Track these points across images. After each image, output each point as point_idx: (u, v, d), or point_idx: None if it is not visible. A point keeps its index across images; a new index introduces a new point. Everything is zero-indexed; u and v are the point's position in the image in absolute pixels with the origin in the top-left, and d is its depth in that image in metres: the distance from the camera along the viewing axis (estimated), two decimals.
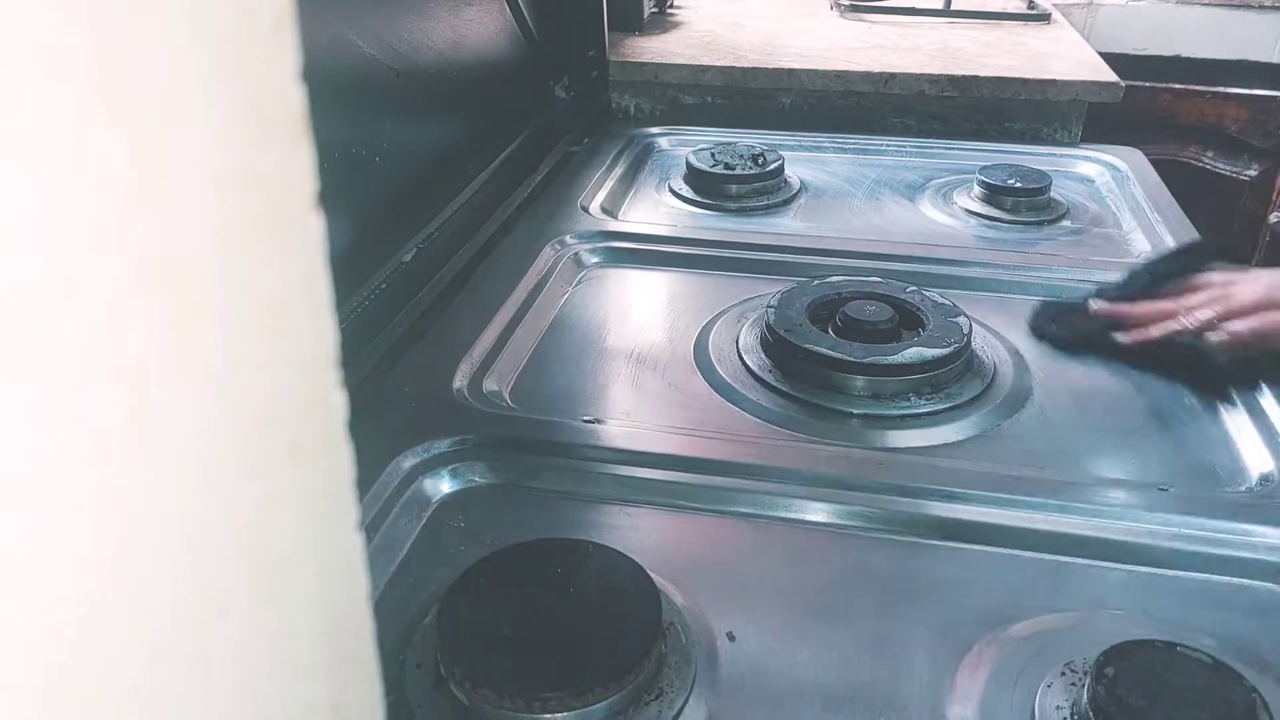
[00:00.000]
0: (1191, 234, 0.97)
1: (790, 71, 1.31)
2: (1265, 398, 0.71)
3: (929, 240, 1.00)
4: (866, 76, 1.29)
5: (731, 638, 0.53)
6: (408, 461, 0.64)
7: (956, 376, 0.74)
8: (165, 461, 0.17)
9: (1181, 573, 0.58)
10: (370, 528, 0.59)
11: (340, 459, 0.21)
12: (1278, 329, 0.71)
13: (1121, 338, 0.76)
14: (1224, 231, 1.77)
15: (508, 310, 0.83)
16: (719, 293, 0.89)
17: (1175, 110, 1.80)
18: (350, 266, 0.78)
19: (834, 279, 0.83)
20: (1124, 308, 0.78)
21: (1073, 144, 1.27)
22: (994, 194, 1.06)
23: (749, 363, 0.77)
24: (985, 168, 1.08)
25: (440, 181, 0.96)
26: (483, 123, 1.06)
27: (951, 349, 0.74)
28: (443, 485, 0.64)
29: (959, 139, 1.27)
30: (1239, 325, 0.72)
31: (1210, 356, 0.74)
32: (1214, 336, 0.72)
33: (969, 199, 1.08)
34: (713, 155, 1.12)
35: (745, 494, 0.63)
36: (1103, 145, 1.23)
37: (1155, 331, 0.75)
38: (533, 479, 0.65)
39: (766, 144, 1.16)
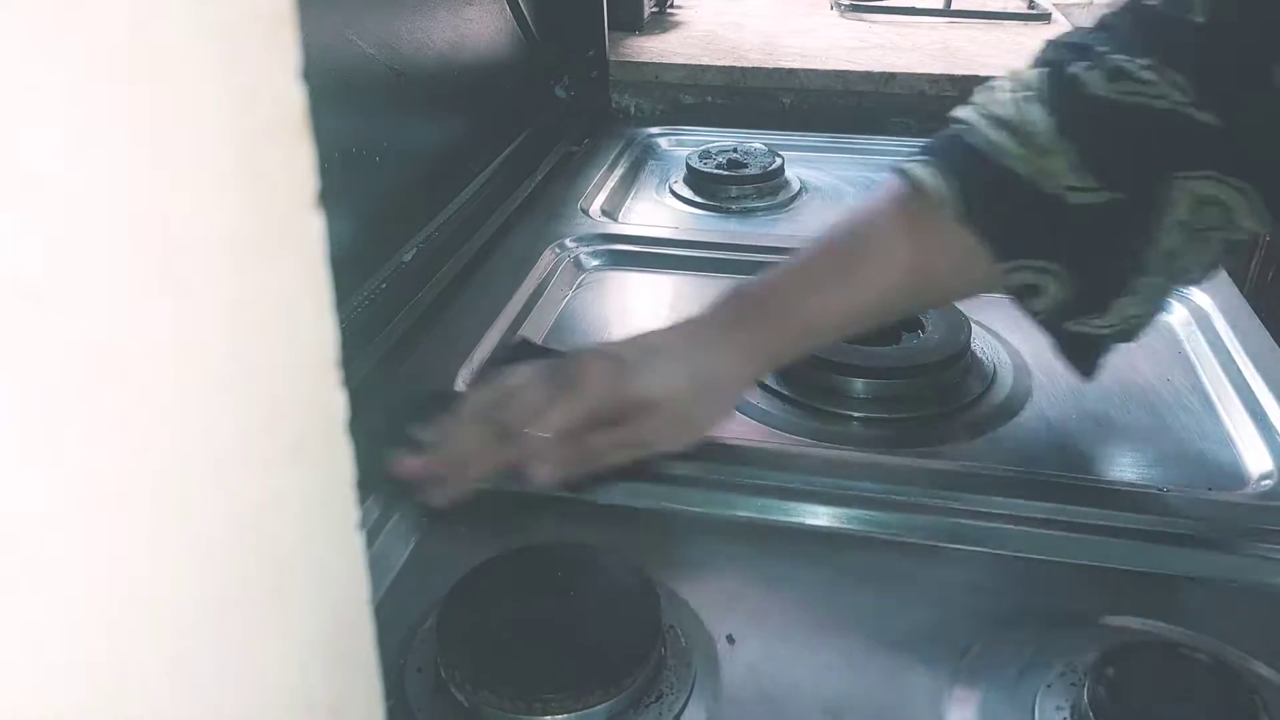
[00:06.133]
0: None
1: (790, 71, 1.31)
2: (1265, 397, 0.71)
3: None
4: (866, 76, 1.29)
5: (731, 640, 0.53)
6: None
7: (956, 378, 0.74)
8: (164, 462, 0.17)
9: (1182, 573, 0.58)
10: (370, 530, 0.59)
11: (341, 459, 0.21)
12: (595, 456, 0.56)
13: (435, 501, 0.55)
14: None
15: (509, 313, 0.83)
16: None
17: None
18: (350, 266, 0.78)
19: None
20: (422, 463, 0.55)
21: None
22: None
23: None
24: None
25: (440, 181, 0.96)
26: (483, 123, 1.06)
27: (952, 350, 0.73)
28: None
29: None
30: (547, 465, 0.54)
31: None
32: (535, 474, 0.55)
33: None
34: (713, 156, 1.12)
35: (745, 497, 0.63)
36: None
37: (464, 484, 0.55)
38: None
39: (767, 144, 1.16)
